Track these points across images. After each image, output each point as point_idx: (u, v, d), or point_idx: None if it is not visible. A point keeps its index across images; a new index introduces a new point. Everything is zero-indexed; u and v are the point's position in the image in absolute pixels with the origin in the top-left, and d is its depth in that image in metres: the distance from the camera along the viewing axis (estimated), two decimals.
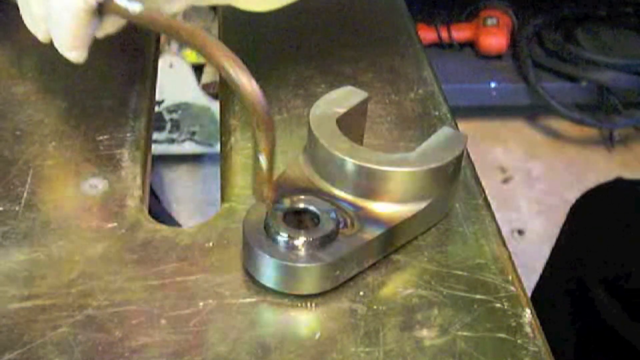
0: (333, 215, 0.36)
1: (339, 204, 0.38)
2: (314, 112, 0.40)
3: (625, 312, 0.73)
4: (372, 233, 0.36)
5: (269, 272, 0.35)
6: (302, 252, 0.35)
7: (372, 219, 0.37)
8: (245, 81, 0.32)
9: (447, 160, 0.38)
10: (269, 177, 0.33)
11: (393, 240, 0.38)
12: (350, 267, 0.36)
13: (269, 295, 0.36)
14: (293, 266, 0.34)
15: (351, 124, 0.41)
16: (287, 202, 0.37)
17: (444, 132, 0.39)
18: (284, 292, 0.35)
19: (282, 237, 0.35)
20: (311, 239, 0.35)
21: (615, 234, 0.78)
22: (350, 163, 0.37)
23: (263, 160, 0.33)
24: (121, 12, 0.38)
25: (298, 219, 0.37)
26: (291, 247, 0.35)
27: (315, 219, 0.36)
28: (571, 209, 0.85)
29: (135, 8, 0.37)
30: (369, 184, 0.38)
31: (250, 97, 0.31)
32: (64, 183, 0.41)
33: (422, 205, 0.38)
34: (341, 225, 0.36)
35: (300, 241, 0.35)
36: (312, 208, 0.37)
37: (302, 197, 0.37)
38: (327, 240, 0.35)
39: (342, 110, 0.40)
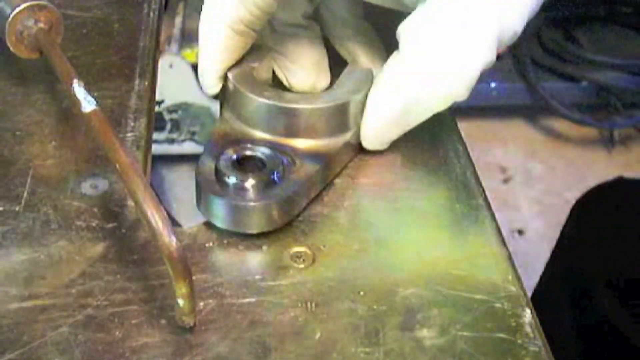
0: (278, 156, 0.39)
1: (276, 147, 0.41)
2: (232, 71, 0.44)
3: (629, 312, 0.73)
4: (313, 167, 0.40)
5: (222, 213, 0.38)
6: (252, 193, 0.38)
7: (310, 155, 0.41)
8: (164, 231, 0.32)
9: (362, 93, 0.42)
10: (191, 312, 0.34)
11: (331, 169, 0.42)
12: (299, 203, 0.39)
13: (269, 295, 0.36)
14: (245, 205, 0.37)
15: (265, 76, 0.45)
16: (230, 152, 0.39)
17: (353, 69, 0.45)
18: (236, 231, 0.38)
19: (233, 180, 0.38)
20: (260, 180, 0.38)
21: (618, 233, 0.78)
22: (274, 106, 0.41)
23: (182, 303, 0.33)
24: (74, 102, 0.39)
25: (244, 167, 0.40)
26: (241, 189, 0.38)
27: (260, 163, 0.40)
28: (573, 208, 0.85)
29: (86, 108, 0.39)
30: (295, 122, 0.41)
31: (165, 249, 0.32)
32: (64, 183, 0.41)
33: (348, 135, 0.42)
34: (286, 164, 0.40)
35: (250, 183, 0.38)
36: (257, 154, 0.40)
37: (243, 145, 0.40)
38: (275, 181, 0.38)
39: (255, 64, 0.44)
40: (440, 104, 0.41)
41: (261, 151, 0.40)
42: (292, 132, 0.42)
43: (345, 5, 0.48)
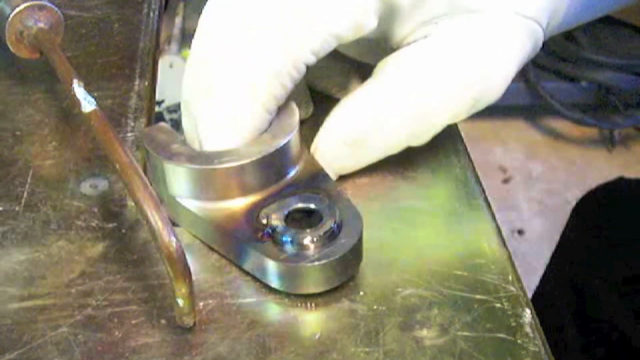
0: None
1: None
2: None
3: (629, 312, 0.73)
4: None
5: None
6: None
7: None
8: (164, 231, 0.32)
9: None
10: (191, 312, 0.34)
11: None
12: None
13: (269, 295, 0.36)
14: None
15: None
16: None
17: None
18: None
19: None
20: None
21: (619, 233, 0.78)
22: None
23: (182, 303, 0.33)
24: (74, 102, 0.39)
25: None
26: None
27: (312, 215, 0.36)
28: (574, 208, 0.85)
29: (86, 108, 0.38)
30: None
31: (165, 248, 0.32)
32: (64, 183, 0.41)
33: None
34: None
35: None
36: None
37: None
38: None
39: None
40: (396, 143, 0.40)
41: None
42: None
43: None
